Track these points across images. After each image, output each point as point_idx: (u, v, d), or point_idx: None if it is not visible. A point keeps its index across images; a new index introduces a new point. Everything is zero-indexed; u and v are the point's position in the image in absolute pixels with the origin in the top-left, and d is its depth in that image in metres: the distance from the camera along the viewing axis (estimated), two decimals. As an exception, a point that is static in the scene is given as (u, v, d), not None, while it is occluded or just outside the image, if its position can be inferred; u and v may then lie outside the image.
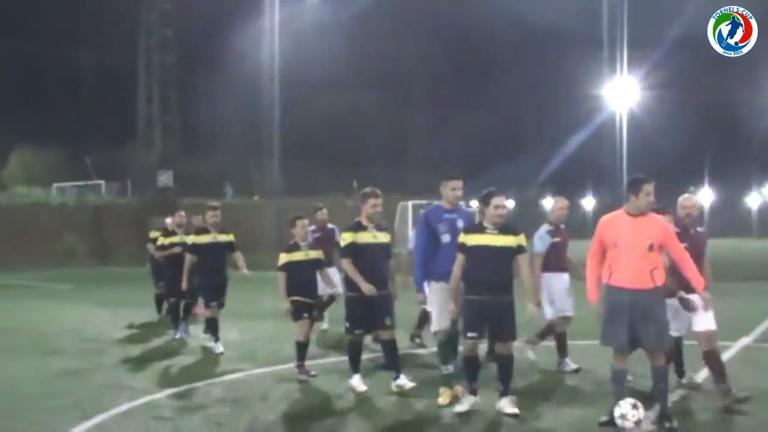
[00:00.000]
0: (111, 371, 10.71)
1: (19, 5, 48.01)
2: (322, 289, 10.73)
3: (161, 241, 13.86)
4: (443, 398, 8.41)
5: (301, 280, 9.67)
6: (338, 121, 50.40)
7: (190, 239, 12.04)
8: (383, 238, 8.90)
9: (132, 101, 43.34)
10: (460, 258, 7.92)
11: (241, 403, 8.71)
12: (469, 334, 7.92)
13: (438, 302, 8.42)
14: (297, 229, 9.81)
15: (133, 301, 19.64)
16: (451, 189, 8.47)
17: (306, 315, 9.70)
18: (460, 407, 8.06)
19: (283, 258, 9.68)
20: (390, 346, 8.95)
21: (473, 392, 8.13)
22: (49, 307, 19.46)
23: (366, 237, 8.78)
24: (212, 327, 11.93)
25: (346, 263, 8.75)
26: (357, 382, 9.01)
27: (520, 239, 7.85)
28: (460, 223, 8.34)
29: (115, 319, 16.25)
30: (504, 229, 7.86)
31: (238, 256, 11.94)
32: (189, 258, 11.86)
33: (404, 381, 8.90)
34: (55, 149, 52.64)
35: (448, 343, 8.52)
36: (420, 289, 8.56)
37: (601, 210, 61.80)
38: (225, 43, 41.76)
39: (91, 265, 34.46)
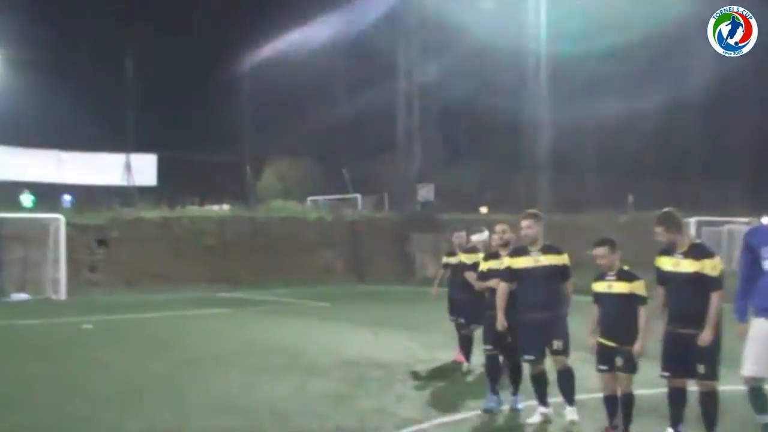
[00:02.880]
0: (374, 396, 10.75)
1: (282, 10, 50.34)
2: None
3: (483, 266, 10.48)
4: None
5: (604, 317, 8.49)
6: (611, 127, 48.99)
7: (506, 262, 9.56)
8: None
9: (391, 111, 44.24)
10: None
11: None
12: None
13: (757, 342, 7.68)
14: (596, 258, 8.60)
15: (393, 322, 19.86)
16: None
17: (604, 367, 8.41)
18: None
19: (592, 287, 8.74)
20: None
21: None
22: (307, 325, 20.05)
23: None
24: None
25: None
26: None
27: None
28: None
29: (375, 340, 16.40)
30: None
31: (569, 289, 9.40)
32: (502, 287, 9.52)
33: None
34: (310, 160, 54.75)
35: (759, 388, 7.81)
36: (741, 320, 7.88)
37: None
38: (483, 46, 41.76)
39: (347, 282, 35.37)
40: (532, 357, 9.12)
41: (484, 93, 45.07)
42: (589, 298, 8.58)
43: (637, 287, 8.34)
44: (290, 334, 18.11)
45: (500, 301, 9.35)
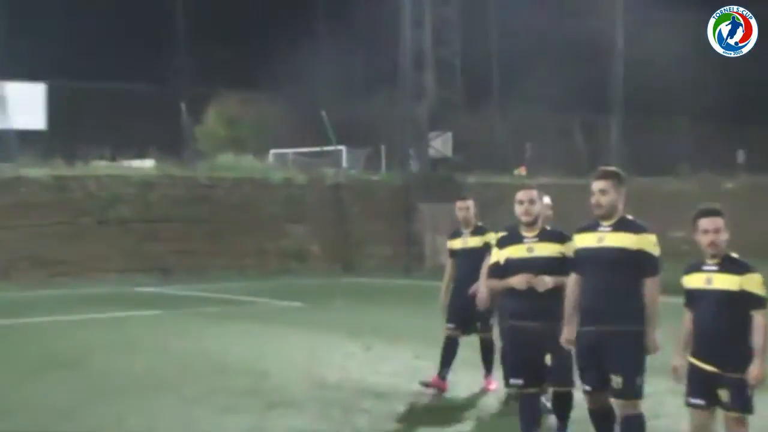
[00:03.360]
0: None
1: None
2: None
3: (497, 254, 10.20)
4: None
5: (701, 327, 8.38)
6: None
7: (576, 241, 9.32)
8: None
9: (392, 24, 43.88)
10: None
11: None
12: None
13: None
14: (699, 233, 8.43)
15: (394, 330, 20.10)
16: None
17: (699, 401, 8.32)
18: None
19: (683, 282, 8.65)
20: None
21: None
22: (270, 335, 20.22)
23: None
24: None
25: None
26: None
27: None
28: None
29: (368, 358, 16.56)
30: None
31: (652, 291, 8.92)
32: (572, 281, 9.32)
33: None
34: (273, 97, 54.15)
35: None
36: None
37: None
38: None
39: (328, 273, 35.44)
40: (588, 388, 8.95)
41: (530, 3, 44.82)
42: (678, 300, 8.52)
43: (751, 282, 8.11)
44: (245, 347, 18.25)
45: (570, 303, 9.09)
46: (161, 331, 21.05)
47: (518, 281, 9.51)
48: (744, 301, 8.09)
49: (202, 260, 34.74)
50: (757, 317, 8.04)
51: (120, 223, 34.52)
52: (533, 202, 9.76)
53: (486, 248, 12.20)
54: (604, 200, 8.84)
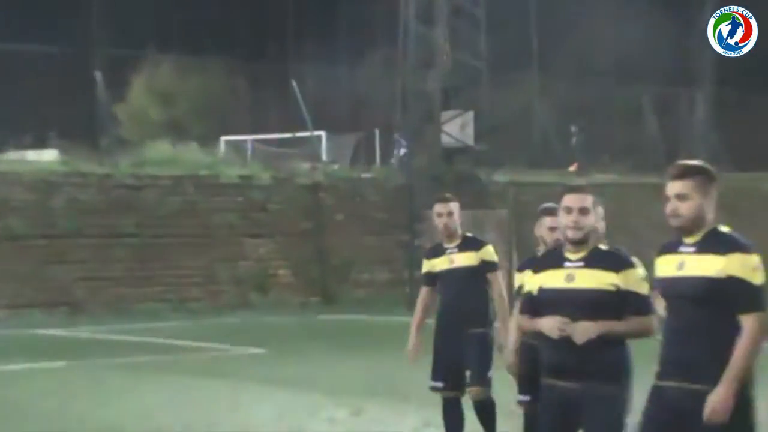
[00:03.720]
0: None
1: None
2: None
3: (524, 280, 10.37)
4: None
5: None
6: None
7: (658, 265, 8.91)
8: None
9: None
10: None
11: None
12: None
13: None
14: None
15: (392, 386, 20.09)
16: None
17: None
18: None
19: None
20: None
21: None
22: (223, 393, 20.15)
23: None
24: None
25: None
26: None
27: None
28: None
29: (358, 425, 16.59)
30: None
31: (751, 334, 8.36)
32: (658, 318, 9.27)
33: None
34: (222, 62, 54.45)
35: None
36: None
37: None
38: None
39: (302, 307, 35.55)
40: None
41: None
42: None
43: None
44: (188, 409, 18.24)
45: None
46: (68, 389, 20.98)
47: (548, 326, 9.02)
48: None
49: (125, 291, 34.82)
50: None
51: (10, 240, 34.51)
52: (586, 211, 9.24)
53: (485, 267, 12.41)
54: (685, 208, 8.27)
